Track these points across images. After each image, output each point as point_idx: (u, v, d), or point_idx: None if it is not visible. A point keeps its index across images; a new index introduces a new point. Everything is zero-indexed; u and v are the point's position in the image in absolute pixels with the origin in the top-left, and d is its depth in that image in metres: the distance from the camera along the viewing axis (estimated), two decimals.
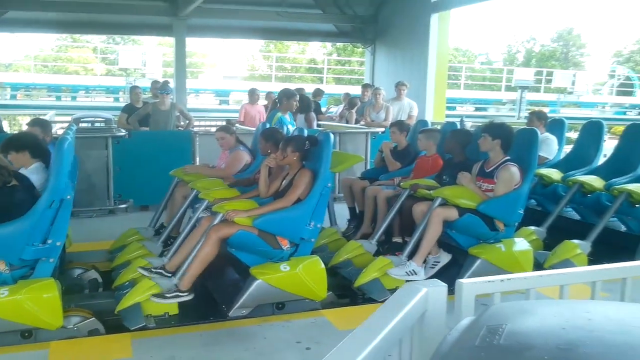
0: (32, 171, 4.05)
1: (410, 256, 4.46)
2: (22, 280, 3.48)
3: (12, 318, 3.39)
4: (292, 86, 9.60)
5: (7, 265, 3.46)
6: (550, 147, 6.19)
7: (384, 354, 1.26)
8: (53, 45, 32.25)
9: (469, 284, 1.56)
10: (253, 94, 9.65)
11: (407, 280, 4.24)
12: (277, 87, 17.60)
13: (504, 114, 22.79)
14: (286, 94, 6.64)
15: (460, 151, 4.97)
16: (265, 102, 9.91)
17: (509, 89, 24.63)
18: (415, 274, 4.36)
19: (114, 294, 4.31)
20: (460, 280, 1.59)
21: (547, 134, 6.22)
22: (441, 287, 1.49)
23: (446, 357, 0.93)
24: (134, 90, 9.17)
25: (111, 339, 3.56)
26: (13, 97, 19.83)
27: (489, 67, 39.72)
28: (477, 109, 24.47)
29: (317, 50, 36.44)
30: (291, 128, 5.95)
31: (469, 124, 7.79)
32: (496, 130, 4.53)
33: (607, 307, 1.01)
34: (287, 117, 6.50)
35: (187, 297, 3.92)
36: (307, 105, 7.73)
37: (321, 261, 4.14)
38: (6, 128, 9.82)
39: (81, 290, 4.65)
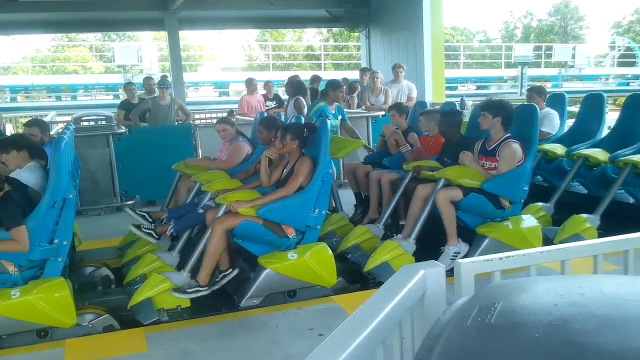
0: (27, 170, 4.09)
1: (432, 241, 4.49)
2: (32, 281, 3.54)
3: (26, 318, 3.45)
4: (291, 74, 9.50)
5: (16, 266, 3.51)
6: (552, 122, 6.16)
7: (383, 335, 1.28)
8: (49, 46, 32.17)
9: (467, 264, 1.55)
10: (250, 84, 9.56)
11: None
12: (275, 76, 17.56)
13: (505, 91, 22.60)
14: (332, 85, 6.47)
15: (455, 131, 4.98)
16: (264, 92, 9.87)
17: (509, 65, 24.39)
18: (459, 252, 4.42)
19: (126, 289, 4.36)
20: (459, 260, 1.59)
21: (548, 109, 6.19)
22: (439, 267, 1.49)
23: (438, 338, 0.94)
24: (128, 86, 9.21)
25: (125, 335, 3.60)
26: (13, 99, 19.81)
27: (488, 44, 39.38)
28: (478, 88, 24.27)
29: (314, 37, 36.19)
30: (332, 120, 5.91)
31: (469, 103, 7.76)
32: (496, 107, 4.49)
33: (602, 281, 1.00)
34: (333, 108, 6.36)
35: (207, 292, 3.99)
36: (296, 90, 7.27)
37: (328, 247, 4.16)
38: (9, 131, 9.85)
39: (94, 287, 4.73)
